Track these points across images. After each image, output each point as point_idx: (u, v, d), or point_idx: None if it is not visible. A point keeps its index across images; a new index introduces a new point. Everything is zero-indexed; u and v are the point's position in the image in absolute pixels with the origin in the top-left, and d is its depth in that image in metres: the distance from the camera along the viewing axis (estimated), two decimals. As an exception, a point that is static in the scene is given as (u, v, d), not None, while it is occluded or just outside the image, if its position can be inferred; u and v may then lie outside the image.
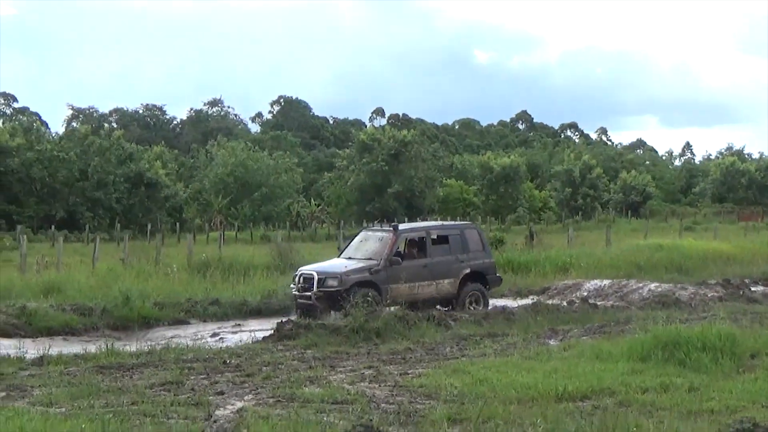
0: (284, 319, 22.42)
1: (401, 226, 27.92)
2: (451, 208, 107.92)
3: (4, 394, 14.17)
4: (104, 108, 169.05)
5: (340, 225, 70.46)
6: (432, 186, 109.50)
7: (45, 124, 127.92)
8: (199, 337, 22.96)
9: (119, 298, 25.94)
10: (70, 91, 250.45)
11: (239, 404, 12.97)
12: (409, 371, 15.90)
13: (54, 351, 19.03)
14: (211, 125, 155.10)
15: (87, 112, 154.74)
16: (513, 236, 57.46)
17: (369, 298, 24.31)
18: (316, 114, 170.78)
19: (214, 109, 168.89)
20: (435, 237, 27.45)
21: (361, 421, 8.60)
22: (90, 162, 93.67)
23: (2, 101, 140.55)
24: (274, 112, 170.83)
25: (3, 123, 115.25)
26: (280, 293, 28.48)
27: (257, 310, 27.40)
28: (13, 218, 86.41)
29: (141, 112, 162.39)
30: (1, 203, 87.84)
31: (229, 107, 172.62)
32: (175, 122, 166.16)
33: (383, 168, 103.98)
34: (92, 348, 19.67)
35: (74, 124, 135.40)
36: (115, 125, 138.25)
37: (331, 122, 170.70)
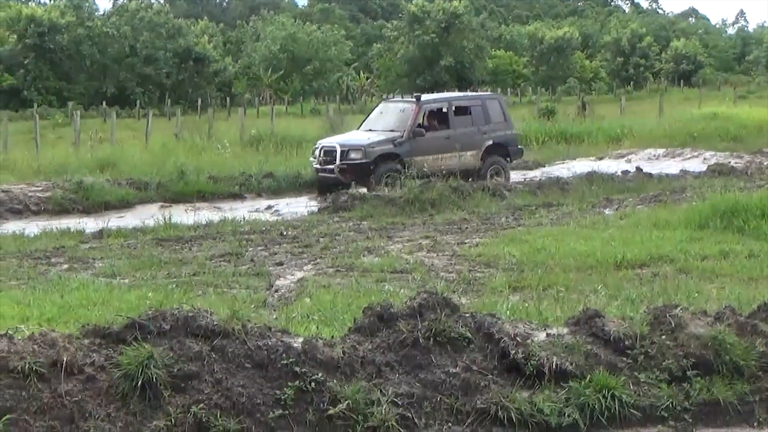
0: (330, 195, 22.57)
1: (423, 97, 27.47)
2: (500, 79, 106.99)
3: (67, 266, 14.36)
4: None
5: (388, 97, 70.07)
6: (481, 57, 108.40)
7: (93, 0, 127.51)
8: (255, 209, 23.08)
9: (174, 172, 26.09)
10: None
11: (299, 274, 13.07)
12: (466, 241, 15.93)
13: (113, 225, 19.23)
14: (258, 0, 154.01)
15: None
16: (564, 107, 56.90)
17: (394, 172, 24.30)
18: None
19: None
20: (457, 108, 27.11)
21: (426, 288, 8.63)
22: (139, 37, 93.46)
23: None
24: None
25: (53, 0, 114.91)
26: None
27: (311, 183, 27.44)
28: (64, 95, 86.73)
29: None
30: (52, 80, 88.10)
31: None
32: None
33: (433, 40, 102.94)
34: (150, 221, 19.88)
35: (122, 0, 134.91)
36: (161, 0, 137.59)
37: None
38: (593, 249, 14.05)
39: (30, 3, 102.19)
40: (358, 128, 27.85)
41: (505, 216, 19.28)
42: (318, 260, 14.30)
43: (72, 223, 20.25)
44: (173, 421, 6.52)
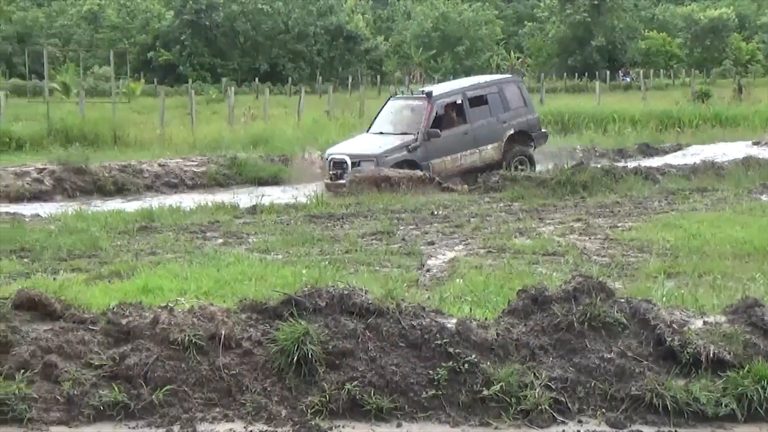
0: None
1: (435, 91, 25.00)
2: (653, 61, 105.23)
3: (221, 240, 14.61)
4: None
5: (540, 78, 69.56)
6: (634, 38, 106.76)
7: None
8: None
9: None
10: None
11: (450, 254, 13.05)
12: (619, 224, 15.70)
13: (265, 200, 19.50)
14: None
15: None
16: (719, 90, 55.69)
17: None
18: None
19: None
20: (472, 99, 24.67)
21: (580, 272, 8.55)
22: (291, 15, 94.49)
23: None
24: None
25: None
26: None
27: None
28: (218, 71, 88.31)
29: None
30: (207, 56, 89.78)
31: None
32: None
33: (585, 19, 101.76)
34: (302, 198, 20.12)
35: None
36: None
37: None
38: (750, 236, 13.69)
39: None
40: (368, 131, 25.27)
41: (658, 200, 18.93)
42: (469, 240, 14.26)
43: (226, 197, 20.58)
44: (327, 397, 6.59)
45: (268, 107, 42.18)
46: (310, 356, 6.70)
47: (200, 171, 24.95)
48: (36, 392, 6.49)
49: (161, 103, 38.76)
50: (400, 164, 22.53)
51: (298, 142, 28.98)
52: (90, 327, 7.11)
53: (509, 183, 20.69)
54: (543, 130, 26.40)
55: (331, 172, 22.91)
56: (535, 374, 6.81)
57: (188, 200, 20.84)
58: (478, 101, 24.67)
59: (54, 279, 10.74)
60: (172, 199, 21.49)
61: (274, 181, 25.11)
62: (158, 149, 28.90)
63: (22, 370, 6.59)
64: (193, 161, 25.73)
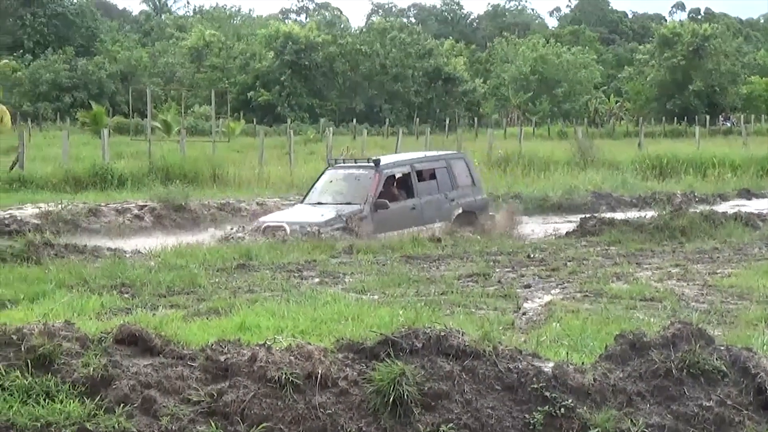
0: (587, 215, 22.21)
1: (382, 161, 22.84)
2: (754, 105, 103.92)
3: (318, 280, 14.69)
4: (403, 3, 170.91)
5: (639, 122, 69.05)
6: (735, 83, 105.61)
7: (347, 18, 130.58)
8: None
9: (423, 190, 26.34)
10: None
11: (546, 297, 12.99)
12: (718, 271, 15.49)
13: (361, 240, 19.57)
14: (507, 20, 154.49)
15: (386, 6, 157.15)
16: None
17: None
18: (614, 8, 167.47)
19: (511, 4, 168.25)
20: (420, 172, 22.93)
21: (679, 318, 8.47)
22: (389, 56, 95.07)
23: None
24: (572, 7, 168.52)
25: (307, 19, 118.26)
26: (581, 189, 28.25)
27: (558, 205, 27.31)
28: (316, 111, 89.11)
29: (439, 6, 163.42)
30: (306, 97, 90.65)
31: (526, 1, 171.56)
32: (471, 17, 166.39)
33: (683, 63, 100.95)
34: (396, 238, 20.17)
35: (374, 18, 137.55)
36: (413, 20, 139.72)
37: (630, 16, 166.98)
38: None
39: (287, 21, 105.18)
40: (302, 201, 23.03)
41: (758, 246, 18.65)
42: (566, 284, 14.19)
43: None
44: (423, 438, 6.59)
45: (365, 148, 42.45)
46: (405, 397, 6.70)
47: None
48: (135, 426, 6.56)
49: (260, 142, 39.19)
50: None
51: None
52: (189, 363, 7.18)
53: (606, 227, 20.54)
54: (492, 214, 23.86)
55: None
56: (632, 421, 6.74)
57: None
58: (427, 175, 23.02)
59: (154, 315, 10.90)
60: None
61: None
62: (257, 188, 29.23)
63: (122, 404, 6.67)
64: (290, 200, 25.95)
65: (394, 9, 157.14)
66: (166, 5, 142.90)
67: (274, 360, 6.97)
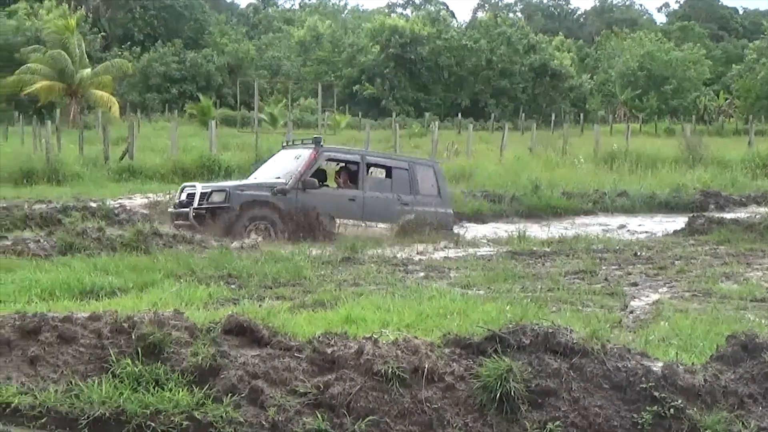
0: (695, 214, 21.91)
1: (329, 144, 22.13)
2: None
3: (423, 274, 14.68)
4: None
5: (748, 120, 67.86)
6: None
7: (452, 13, 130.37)
8: (608, 227, 22.93)
9: (528, 186, 26.26)
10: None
11: (654, 296, 12.81)
12: (835, 272, 15.19)
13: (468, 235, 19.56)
14: (615, 16, 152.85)
15: (492, 1, 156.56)
16: None
17: (265, 221, 19.70)
18: (724, 4, 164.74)
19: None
20: (372, 165, 22.13)
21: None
22: (496, 51, 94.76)
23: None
24: (681, 2, 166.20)
25: (413, 13, 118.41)
26: (689, 188, 27.88)
27: (665, 203, 26.98)
28: (421, 105, 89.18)
29: (545, 2, 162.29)
30: (411, 91, 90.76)
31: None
32: (578, 12, 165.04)
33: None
34: (503, 233, 20.12)
35: (480, 13, 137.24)
36: (519, 15, 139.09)
37: (741, 12, 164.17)
38: None
39: (392, 15, 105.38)
40: (245, 178, 23.04)
41: None
42: (673, 283, 13.98)
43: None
44: (529, 436, 6.55)
45: (471, 143, 42.35)
46: (512, 394, 6.66)
47: (402, 205, 25.15)
48: (242, 416, 6.61)
49: (366, 135, 39.29)
50: (256, 203, 19.91)
51: (501, 179, 29.03)
52: (296, 355, 7.22)
53: (715, 226, 20.27)
54: (451, 229, 21.89)
55: (177, 201, 20.73)
56: (743, 423, 6.61)
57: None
58: (379, 172, 22.10)
59: (260, 306, 10.97)
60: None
61: (476, 216, 25.14)
62: (362, 181, 29.30)
63: (230, 394, 6.74)
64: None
65: (500, 3, 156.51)
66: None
67: (381, 353, 6.97)
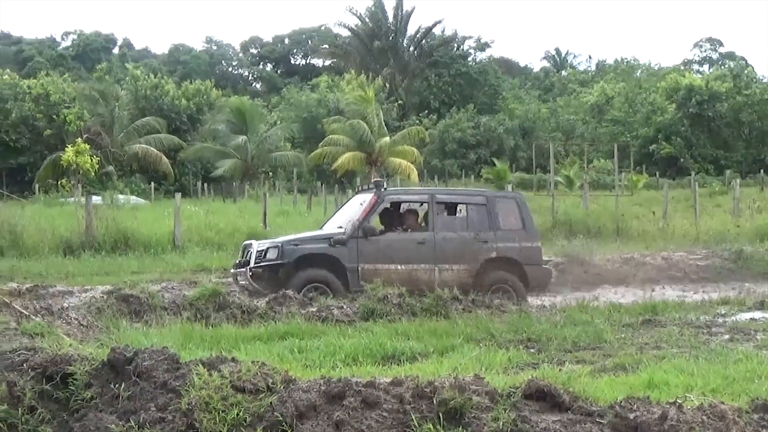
0: None
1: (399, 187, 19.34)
2: None
3: (728, 336, 14.27)
4: None
5: None
6: None
7: (751, 68, 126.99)
8: None
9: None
10: None
11: None
12: None
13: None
14: None
15: None
16: None
17: (320, 283, 18.35)
18: None
19: None
20: (443, 204, 20.20)
21: None
22: None
23: (709, 46, 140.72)
24: None
25: (711, 68, 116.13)
26: None
27: None
28: (721, 163, 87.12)
29: None
30: (710, 148, 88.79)
31: None
32: None
33: None
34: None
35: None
36: None
37: None
38: None
39: (687, 73, 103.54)
40: (321, 226, 21.90)
41: None
42: None
43: (732, 292, 20.21)
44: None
45: (774, 199, 41.04)
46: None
47: (704, 265, 24.55)
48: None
49: (664, 195, 38.61)
50: (313, 259, 18.75)
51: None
52: (597, 420, 7.12)
53: None
54: (546, 266, 20.54)
55: (237, 261, 19.89)
56: None
57: (692, 294, 20.66)
58: (451, 210, 20.35)
59: (560, 370, 10.89)
60: (674, 293, 21.23)
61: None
62: (661, 242, 28.79)
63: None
64: (696, 255, 25.41)
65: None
66: (567, 60, 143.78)
67: (686, 419, 6.80)
